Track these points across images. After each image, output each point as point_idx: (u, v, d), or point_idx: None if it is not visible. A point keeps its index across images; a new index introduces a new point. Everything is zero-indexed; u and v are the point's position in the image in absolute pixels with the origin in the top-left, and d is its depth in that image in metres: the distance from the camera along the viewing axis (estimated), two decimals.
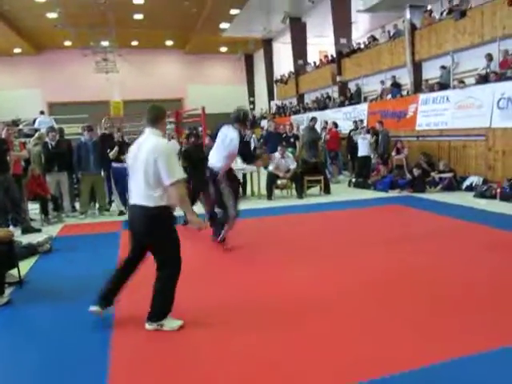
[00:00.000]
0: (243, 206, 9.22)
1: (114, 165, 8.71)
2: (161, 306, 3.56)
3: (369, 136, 12.17)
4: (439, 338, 3.25)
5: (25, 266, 5.29)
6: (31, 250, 5.96)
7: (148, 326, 3.55)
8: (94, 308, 3.69)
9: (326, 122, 14.85)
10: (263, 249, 5.95)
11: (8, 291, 4.46)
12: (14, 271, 4.65)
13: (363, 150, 12.02)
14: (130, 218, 3.63)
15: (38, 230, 7.47)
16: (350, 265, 5.06)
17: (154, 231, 3.47)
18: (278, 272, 4.91)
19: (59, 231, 7.55)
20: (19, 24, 21.30)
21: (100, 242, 6.71)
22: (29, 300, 4.37)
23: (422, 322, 3.54)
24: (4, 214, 7.31)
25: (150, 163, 3.35)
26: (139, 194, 3.47)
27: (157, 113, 3.58)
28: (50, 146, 8.59)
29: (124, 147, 8.86)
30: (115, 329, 3.62)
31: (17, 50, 25.41)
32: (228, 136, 5.73)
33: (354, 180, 12.00)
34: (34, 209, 8.55)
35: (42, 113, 17.07)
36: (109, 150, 8.62)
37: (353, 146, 13.06)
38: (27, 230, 7.38)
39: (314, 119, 13.00)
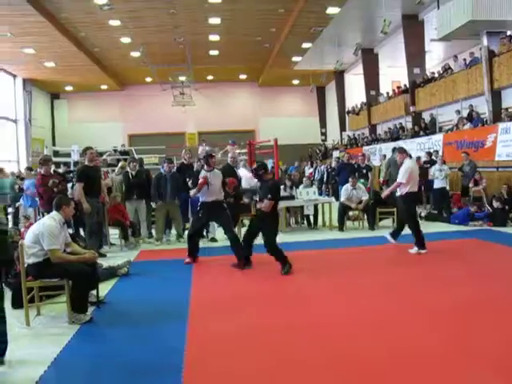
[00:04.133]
0: (315, 236, 9.30)
1: None
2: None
3: (446, 167, 11.78)
4: None
5: (105, 287, 5.60)
6: (111, 273, 6.30)
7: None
8: None
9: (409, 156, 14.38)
10: (330, 280, 5.91)
11: (90, 310, 4.75)
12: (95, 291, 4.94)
13: (440, 181, 11.64)
14: None
15: (104, 256, 7.75)
16: (425, 303, 4.90)
17: None
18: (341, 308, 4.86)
19: (137, 256, 7.92)
20: (107, 63, 23.03)
21: (174, 267, 6.95)
22: (108, 320, 4.63)
23: None
24: (95, 235, 7.78)
25: None
26: None
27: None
28: (130, 176, 9.09)
29: None
30: (188, 353, 3.73)
31: (103, 86, 27.37)
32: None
33: (424, 213, 11.60)
34: (114, 234, 9.04)
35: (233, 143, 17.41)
36: (188, 179, 8.89)
37: (426, 178, 12.68)
38: None
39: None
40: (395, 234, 7.95)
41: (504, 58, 13.03)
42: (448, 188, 11.76)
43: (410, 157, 7.88)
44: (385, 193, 7.83)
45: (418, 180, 7.73)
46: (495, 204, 10.09)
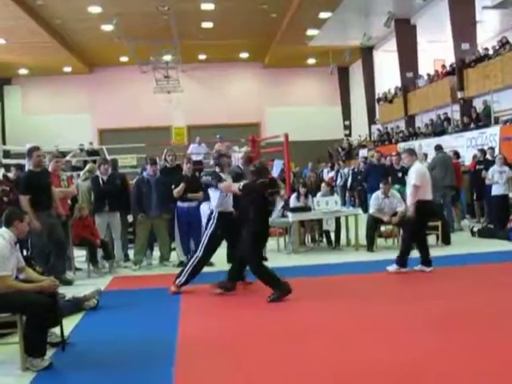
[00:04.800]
0: (336, 258, 9.28)
1: (180, 204, 9.06)
2: None
3: (507, 168, 11.73)
4: None
5: (68, 323, 5.58)
6: (76, 305, 6.27)
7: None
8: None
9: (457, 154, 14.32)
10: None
11: (50, 353, 4.73)
12: (57, 329, 4.92)
13: (500, 186, 11.57)
14: None
15: (70, 283, 7.78)
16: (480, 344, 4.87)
17: None
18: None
19: (109, 284, 7.91)
20: (71, 39, 23.21)
21: (157, 298, 6.93)
22: (72, 366, 4.60)
23: None
24: (47, 260, 7.76)
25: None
26: None
27: None
28: (100, 181, 9.11)
29: (194, 183, 9.19)
30: None
31: (67, 69, 27.53)
32: None
33: (477, 227, 11.57)
34: (80, 256, 9.04)
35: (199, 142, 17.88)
36: (173, 187, 8.97)
37: (480, 183, 12.64)
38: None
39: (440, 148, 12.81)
40: (425, 259, 8.04)
41: None
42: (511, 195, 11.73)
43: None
44: (409, 207, 7.92)
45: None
46: None
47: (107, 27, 21.27)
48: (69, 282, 7.74)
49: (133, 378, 4.25)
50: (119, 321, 5.97)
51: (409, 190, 8.00)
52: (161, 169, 9.70)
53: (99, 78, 28.78)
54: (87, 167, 10.47)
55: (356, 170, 18.23)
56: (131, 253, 9.47)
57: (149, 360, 4.64)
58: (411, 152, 8.44)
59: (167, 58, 24.88)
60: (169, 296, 6.96)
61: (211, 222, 7.11)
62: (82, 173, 10.45)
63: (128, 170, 14.25)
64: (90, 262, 8.67)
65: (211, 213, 7.18)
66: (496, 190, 11.64)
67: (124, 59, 26.96)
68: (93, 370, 4.48)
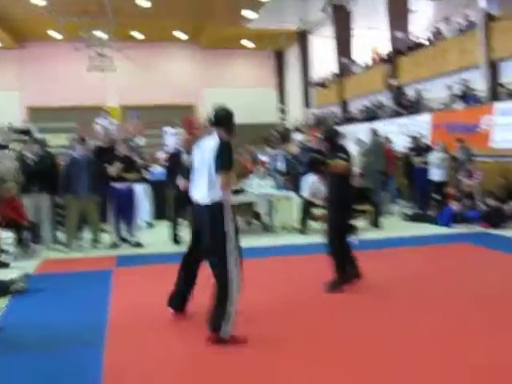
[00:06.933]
0: (268, 241, 9.37)
1: (112, 185, 8.94)
2: None
3: (442, 155, 12.07)
4: None
5: None
6: (2, 289, 6.13)
7: None
8: None
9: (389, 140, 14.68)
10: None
11: None
12: None
13: (440, 172, 11.97)
14: None
15: (6, 265, 7.65)
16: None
17: None
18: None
19: (38, 267, 7.73)
20: None
21: (87, 281, 6.85)
22: None
23: None
24: None
25: None
26: None
27: None
28: (29, 161, 8.85)
29: (129, 164, 9.08)
30: None
31: None
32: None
33: (408, 212, 11.96)
34: (6, 238, 8.77)
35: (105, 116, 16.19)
36: (108, 166, 8.81)
37: (411, 169, 13.02)
38: None
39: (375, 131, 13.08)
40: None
41: (505, 23, 13.41)
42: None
43: None
44: None
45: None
46: (491, 202, 10.51)
47: (37, 0, 20.47)
48: (4, 265, 7.62)
49: (61, 361, 4.21)
50: (48, 304, 5.88)
51: None
52: (96, 149, 9.54)
53: (30, 54, 27.74)
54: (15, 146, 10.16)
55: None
56: (60, 235, 9.28)
57: (78, 343, 4.60)
58: None
59: (101, 34, 24.23)
60: (99, 279, 6.89)
61: None
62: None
63: (59, 150, 13.89)
64: (18, 244, 8.46)
65: None
66: (436, 175, 11.95)
67: (56, 35, 26.06)
68: (20, 355, 4.40)
